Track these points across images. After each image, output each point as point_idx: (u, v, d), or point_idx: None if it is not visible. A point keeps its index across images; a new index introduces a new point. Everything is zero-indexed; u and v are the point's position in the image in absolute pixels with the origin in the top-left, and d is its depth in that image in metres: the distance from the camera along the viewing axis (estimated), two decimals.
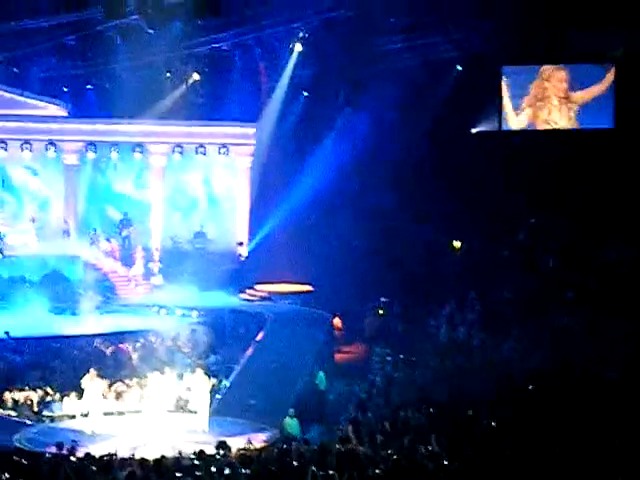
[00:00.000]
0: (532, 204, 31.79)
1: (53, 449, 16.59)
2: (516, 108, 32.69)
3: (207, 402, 20.72)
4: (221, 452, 15.60)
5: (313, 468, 13.56)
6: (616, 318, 24.47)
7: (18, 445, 18.17)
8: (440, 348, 26.14)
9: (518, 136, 32.76)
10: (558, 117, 32.49)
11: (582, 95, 32.12)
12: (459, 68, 32.49)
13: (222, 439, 16.59)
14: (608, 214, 30.06)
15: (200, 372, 21.35)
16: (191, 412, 20.80)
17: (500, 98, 32.74)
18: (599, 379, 19.43)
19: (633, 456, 13.89)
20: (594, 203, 30.49)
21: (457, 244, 32.93)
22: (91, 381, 20.78)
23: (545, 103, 32.52)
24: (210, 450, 15.78)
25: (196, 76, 33.51)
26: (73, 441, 16.71)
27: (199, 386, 21.00)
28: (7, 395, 21.30)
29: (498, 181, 31.92)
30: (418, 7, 29.37)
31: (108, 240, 32.59)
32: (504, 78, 32.43)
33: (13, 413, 20.94)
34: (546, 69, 32.36)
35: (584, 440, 14.90)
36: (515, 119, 32.71)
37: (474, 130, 33.29)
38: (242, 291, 31.52)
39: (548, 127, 32.58)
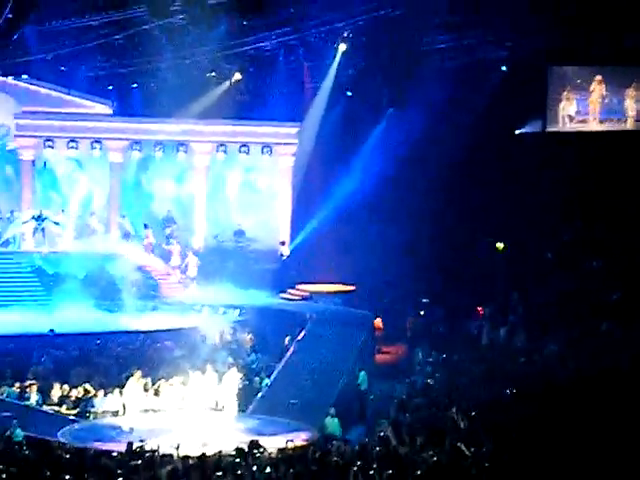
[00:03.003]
0: (577, 206, 31.55)
1: (121, 447, 16.57)
2: (558, 110, 32.53)
3: (235, 400, 20.86)
4: (255, 451, 15.63)
5: (354, 468, 13.58)
6: None
7: (62, 440, 18.35)
8: (481, 349, 26.04)
9: (563, 137, 32.50)
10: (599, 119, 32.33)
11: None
12: (504, 68, 32.30)
13: (254, 438, 16.63)
14: None
15: (234, 371, 21.47)
16: (222, 410, 20.95)
17: (545, 99, 32.52)
18: None
19: None
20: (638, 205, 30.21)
21: (500, 245, 32.77)
22: (137, 382, 21.00)
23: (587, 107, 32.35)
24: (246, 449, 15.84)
25: (239, 75, 33.64)
26: (141, 440, 16.68)
27: (230, 384, 21.15)
28: (53, 391, 21.52)
29: (543, 182, 31.70)
30: (463, 6, 29.21)
31: (145, 227, 32.81)
32: (550, 79, 32.26)
33: (58, 409, 21.16)
34: (583, 74, 32.20)
35: (625, 447, 14.75)
36: (562, 120, 32.53)
37: (518, 132, 33.12)
38: (284, 290, 31.58)
39: (593, 129, 32.33)
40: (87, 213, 33.40)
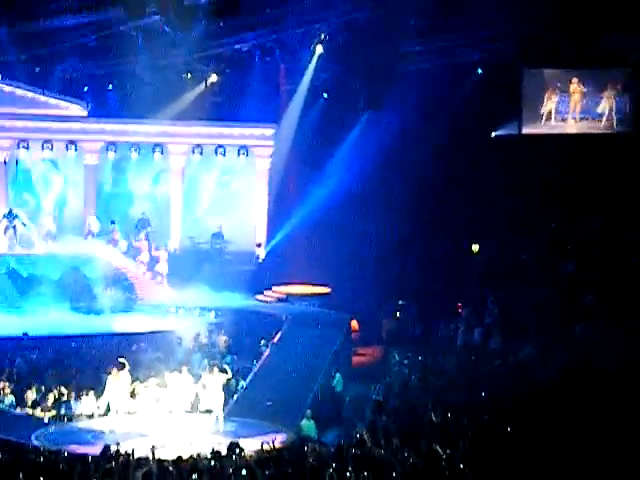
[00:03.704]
0: (552, 208, 31.71)
1: (96, 450, 16.47)
2: (536, 112, 32.68)
3: (221, 401, 20.75)
4: (233, 452, 15.60)
5: (330, 470, 13.57)
6: (637, 324, 24.36)
7: (36, 443, 18.26)
8: (457, 351, 26.11)
9: (538, 140, 32.64)
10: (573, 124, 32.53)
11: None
12: (480, 71, 32.42)
13: (234, 440, 16.60)
14: (629, 218, 29.94)
15: (216, 371, 21.34)
16: (206, 412, 20.85)
17: (520, 102, 32.66)
18: (619, 385, 19.31)
19: None
20: (614, 207, 30.39)
21: (475, 248, 32.89)
22: (115, 378, 20.79)
23: (562, 110, 32.52)
24: (225, 451, 15.80)
25: (215, 77, 33.58)
26: (117, 443, 16.57)
27: (214, 385, 21.03)
28: (27, 394, 21.39)
29: (518, 185, 31.84)
30: (440, 9, 29.28)
31: (112, 223, 32.63)
32: (525, 81, 32.41)
33: (32, 411, 21.03)
34: (560, 75, 32.37)
35: (602, 447, 14.82)
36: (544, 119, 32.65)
37: (494, 134, 33.25)
38: (259, 292, 31.55)
39: (572, 128, 32.50)
40: (63, 215, 33.20)
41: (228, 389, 22.24)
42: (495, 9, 28.18)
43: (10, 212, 31.00)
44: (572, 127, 32.55)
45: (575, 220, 31.38)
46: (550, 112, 32.58)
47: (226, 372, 21.47)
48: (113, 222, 32.82)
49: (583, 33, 29.68)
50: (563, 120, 32.54)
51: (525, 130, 32.65)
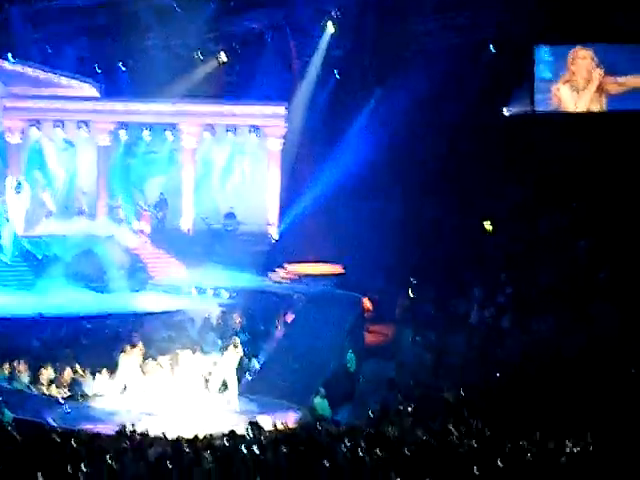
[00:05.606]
0: (566, 187, 31.56)
1: (111, 428, 16.58)
2: (548, 90, 32.48)
3: (235, 379, 20.84)
4: (252, 432, 15.67)
5: (343, 448, 13.62)
6: None
7: (52, 422, 18.36)
8: (470, 330, 26.09)
9: (552, 117, 32.47)
10: (588, 102, 32.24)
11: (616, 86, 31.82)
12: (492, 49, 32.22)
13: (253, 419, 16.66)
14: None
15: (230, 349, 21.42)
16: (219, 390, 20.94)
17: (532, 79, 32.47)
18: (632, 363, 19.28)
19: None
20: (629, 187, 30.22)
21: (488, 226, 32.77)
22: (128, 356, 20.90)
23: (575, 86, 32.26)
24: (241, 430, 15.86)
25: (225, 57, 33.46)
26: (132, 424, 16.65)
27: (227, 364, 21.11)
28: (42, 373, 21.51)
29: (532, 163, 31.71)
30: None
31: (141, 213, 32.77)
32: (537, 58, 32.19)
33: (46, 391, 21.15)
34: (576, 51, 32.09)
35: (615, 426, 14.83)
36: (549, 101, 32.45)
37: (506, 112, 33.07)
38: (272, 271, 31.54)
39: (580, 110, 32.29)
40: (74, 196, 33.31)
41: (241, 368, 22.34)
42: None
43: (19, 184, 31.27)
44: (588, 104, 32.33)
45: (592, 198, 31.17)
46: (565, 89, 32.38)
47: (236, 347, 21.51)
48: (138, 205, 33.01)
49: (598, 9, 29.48)
50: (579, 97, 32.32)
51: (539, 108, 32.47)
